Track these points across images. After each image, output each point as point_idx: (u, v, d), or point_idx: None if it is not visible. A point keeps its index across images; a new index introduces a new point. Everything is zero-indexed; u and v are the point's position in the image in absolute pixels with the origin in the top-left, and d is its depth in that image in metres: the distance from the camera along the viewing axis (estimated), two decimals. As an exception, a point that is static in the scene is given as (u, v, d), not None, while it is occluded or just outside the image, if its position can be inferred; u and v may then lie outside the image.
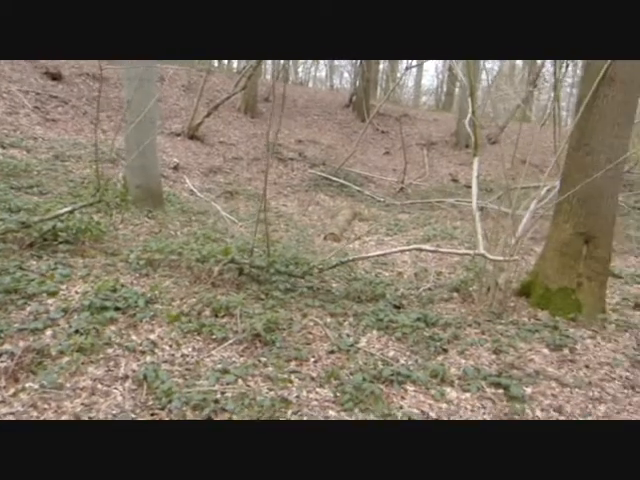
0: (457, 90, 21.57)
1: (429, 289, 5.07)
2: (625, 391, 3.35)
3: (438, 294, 4.89)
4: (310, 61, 28.38)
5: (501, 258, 4.24)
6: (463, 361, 3.51)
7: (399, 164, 13.85)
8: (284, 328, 3.56)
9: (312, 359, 3.24)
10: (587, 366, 3.63)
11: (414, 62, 24.33)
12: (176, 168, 9.99)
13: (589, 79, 4.17)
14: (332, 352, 3.37)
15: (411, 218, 10.11)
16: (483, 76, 27.17)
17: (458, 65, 10.84)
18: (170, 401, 2.52)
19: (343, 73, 29.59)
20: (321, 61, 30.15)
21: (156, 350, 3.08)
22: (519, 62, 23.76)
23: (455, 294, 4.90)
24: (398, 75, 21.20)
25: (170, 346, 3.18)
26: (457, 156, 15.97)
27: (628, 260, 8.07)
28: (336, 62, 28.94)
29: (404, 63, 25.57)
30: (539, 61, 16.33)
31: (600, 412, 3.06)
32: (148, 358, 2.99)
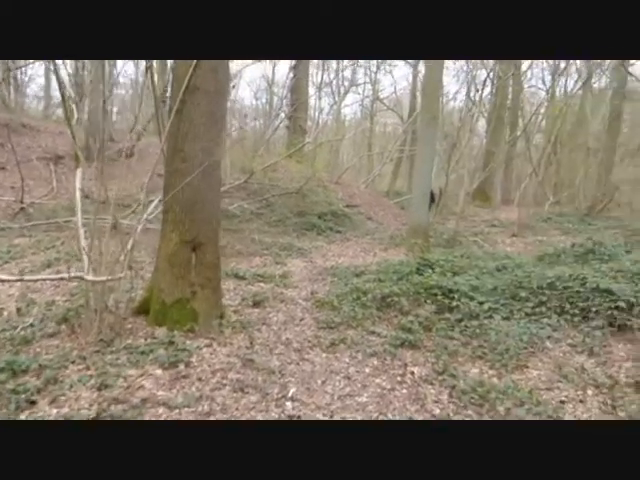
0: (87, 101, 20.14)
1: (31, 325, 4.20)
2: (234, 395, 3.34)
3: (41, 330, 4.09)
4: None
5: (104, 278, 3.78)
6: (55, 411, 2.89)
7: (19, 181, 11.92)
8: None
9: None
10: (200, 379, 3.51)
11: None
12: None
13: (177, 88, 4.13)
14: None
15: (32, 242, 8.69)
16: (122, 90, 26.39)
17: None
18: None
19: None
20: None
21: None
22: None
23: (63, 326, 4.19)
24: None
25: None
26: (89, 170, 14.82)
27: (253, 261, 8.74)
28: None
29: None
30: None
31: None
32: None
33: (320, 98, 27.30)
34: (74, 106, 14.92)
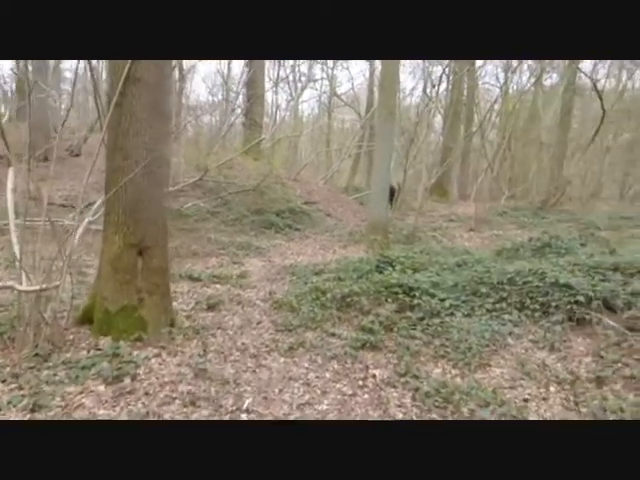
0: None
1: (-41, 341, 3.82)
2: (184, 410, 3.09)
3: (-30, 346, 3.72)
4: None
5: (36, 287, 3.44)
6: (-22, 439, 2.58)
7: (-46, 182, 11.16)
8: None
9: None
10: (147, 393, 3.24)
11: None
12: None
13: (116, 79, 3.81)
14: None
15: (-32, 247, 8.12)
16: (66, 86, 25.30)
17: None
18: None
19: None
20: None
21: None
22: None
23: (-5, 340, 3.82)
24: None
25: None
26: (35, 170, 14.06)
27: (210, 262, 8.45)
28: None
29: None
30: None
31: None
32: None
33: (277, 94, 26.95)
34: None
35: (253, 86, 18.55)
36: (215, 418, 3.00)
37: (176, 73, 16.29)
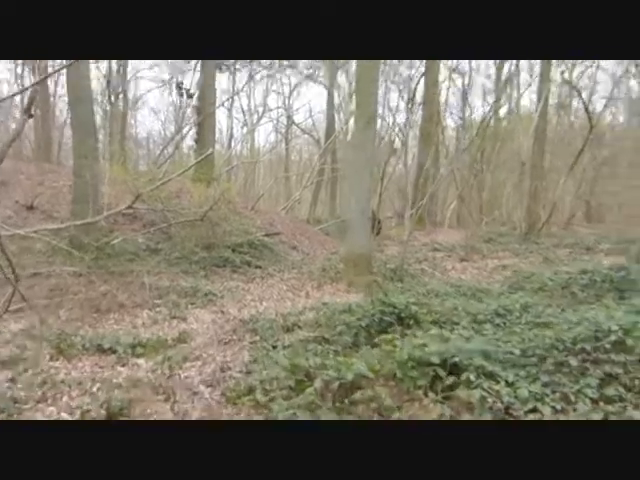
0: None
1: None
2: None
3: None
4: None
5: None
6: None
7: None
8: None
9: None
10: None
11: None
12: None
13: None
14: None
15: None
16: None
17: None
18: None
19: None
20: None
21: None
22: None
23: None
24: None
25: None
26: None
27: (140, 317, 6.14)
28: None
29: None
30: None
31: None
32: None
33: (232, 127, 24.88)
34: None
35: (203, 105, 16.49)
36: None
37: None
